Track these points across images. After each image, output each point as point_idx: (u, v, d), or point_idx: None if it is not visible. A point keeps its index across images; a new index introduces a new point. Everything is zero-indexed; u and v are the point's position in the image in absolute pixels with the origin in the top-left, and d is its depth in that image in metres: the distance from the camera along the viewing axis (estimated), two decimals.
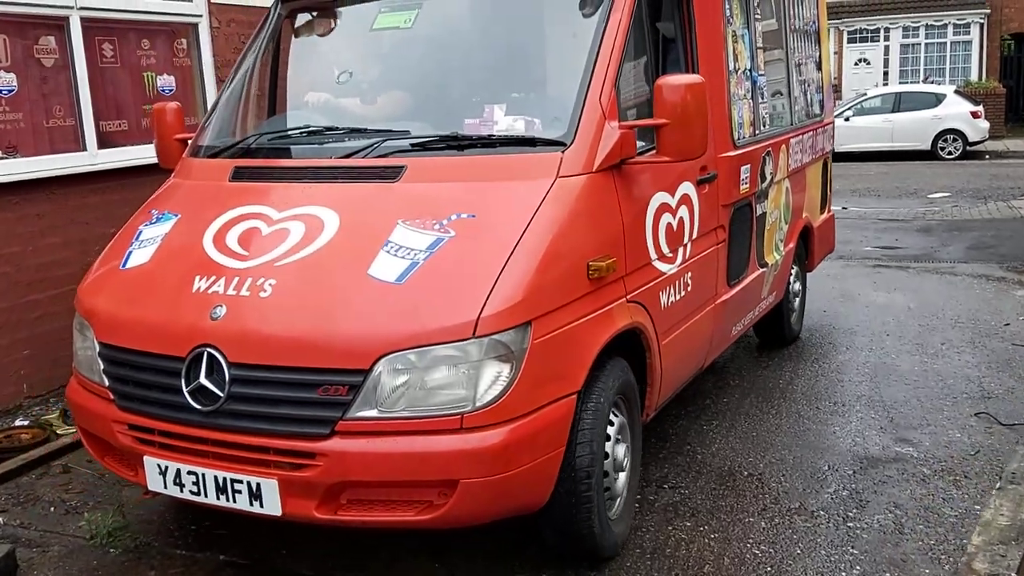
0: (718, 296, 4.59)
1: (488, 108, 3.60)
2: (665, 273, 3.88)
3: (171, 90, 6.51)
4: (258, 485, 2.97)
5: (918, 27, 25.72)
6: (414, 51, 4.06)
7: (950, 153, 20.42)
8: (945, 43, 24.51)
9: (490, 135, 3.50)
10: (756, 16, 5.19)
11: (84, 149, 5.81)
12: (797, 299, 6.45)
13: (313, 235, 3.21)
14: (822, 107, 6.74)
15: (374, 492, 2.96)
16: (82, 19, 5.75)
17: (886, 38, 26.62)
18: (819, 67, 6.72)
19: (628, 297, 3.52)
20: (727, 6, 4.66)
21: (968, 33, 24.77)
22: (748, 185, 4.79)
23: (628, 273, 3.53)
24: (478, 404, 2.87)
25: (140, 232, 3.65)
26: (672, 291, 3.95)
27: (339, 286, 3.07)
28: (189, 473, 3.09)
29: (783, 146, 5.49)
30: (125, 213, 4.13)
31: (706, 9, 4.34)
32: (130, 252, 3.57)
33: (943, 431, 4.79)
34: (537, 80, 3.94)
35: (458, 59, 4.00)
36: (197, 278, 3.21)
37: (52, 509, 4.22)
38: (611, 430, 3.44)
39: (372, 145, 3.55)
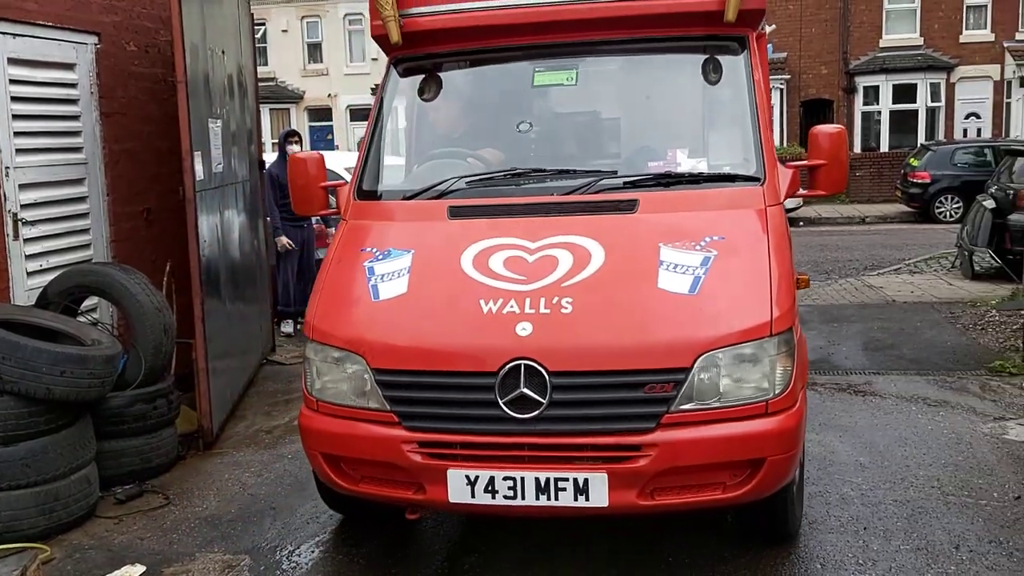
0: None
1: (671, 152, 4.24)
2: None
3: None
4: (585, 481, 3.31)
5: None
6: (584, 104, 4.69)
7: None
8: None
9: (700, 172, 4.13)
10: None
11: None
12: None
13: (584, 260, 3.65)
14: None
15: (684, 478, 3.39)
16: None
17: None
18: None
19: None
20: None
21: None
22: None
23: None
24: (776, 392, 3.44)
25: (372, 268, 3.84)
26: None
27: (637, 300, 3.56)
28: (505, 479, 3.35)
29: None
30: None
31: (763, 70, 4.71)
32: (374, 286, 3.77)
33: None
34: (705, 128, 4.51)
35: (627, 111, 4.66)
36: (482, 301, 3.53)
37: None
38: None
39: (588, 184, 4.03)
